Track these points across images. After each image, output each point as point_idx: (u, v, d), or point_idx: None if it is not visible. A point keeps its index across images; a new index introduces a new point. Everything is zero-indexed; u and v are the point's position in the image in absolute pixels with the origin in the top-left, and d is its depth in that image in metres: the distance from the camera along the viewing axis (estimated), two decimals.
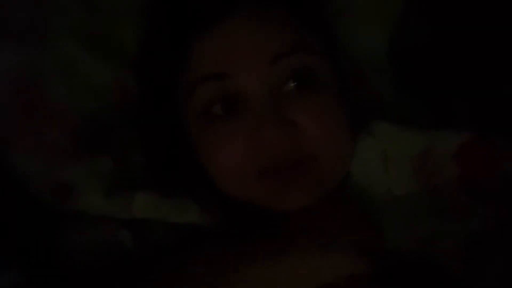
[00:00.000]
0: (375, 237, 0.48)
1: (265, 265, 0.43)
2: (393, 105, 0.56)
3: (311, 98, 0.47)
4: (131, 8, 0.53)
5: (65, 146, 0.49)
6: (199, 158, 0.49)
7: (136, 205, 0.48)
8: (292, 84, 0.47)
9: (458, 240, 0.45)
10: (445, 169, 0.48)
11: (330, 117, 0.47)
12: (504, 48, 0.52)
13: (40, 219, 0.48)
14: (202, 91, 0.47)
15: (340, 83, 0.51)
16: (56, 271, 0.46)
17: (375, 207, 0.50)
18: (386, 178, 0.50)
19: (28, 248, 0.45)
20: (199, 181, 0.50)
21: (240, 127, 0.46)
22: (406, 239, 0.48)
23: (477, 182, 0.47)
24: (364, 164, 0.50)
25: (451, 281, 0.44)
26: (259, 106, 0.46)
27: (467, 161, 0.48)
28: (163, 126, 0.52)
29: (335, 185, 0.49)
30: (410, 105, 0.55)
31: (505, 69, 0.51)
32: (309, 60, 0.48)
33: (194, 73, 0.48)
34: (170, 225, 0.50)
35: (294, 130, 0.46)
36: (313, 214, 0.47)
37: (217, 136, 0.47)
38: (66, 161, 0.49)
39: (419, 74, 0.55)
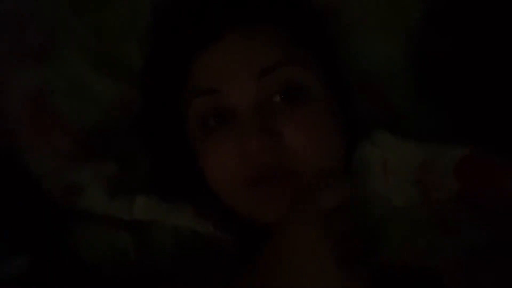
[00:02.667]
0: (371, 248, 0.47)
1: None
2: (408, 117, 0.56)
3: (297, 111, 0.48)
4: (135, 29, 0.57)
5: (73, 152, 0.54)
6: (199, 166, 0.53)
7: (136, 206, 0.51)
8: (279, 97, 0.49)
9: (458, 254, 0.45)
10: (445, 182, 0.47)
11: (315, 130, 0.48)
12: None
13: (51, 213, 0.52)
14: (196, 104, 0.51)
15: (337, 96, 0.52)
16: (62, 263, 0.49)
17: (374, 218, 0.49)
18: (385, 187, 0.49)
19: (37, 239, 0.50)
20: (199, 187, 0.52)
21: (227, 138, 0.49)
22: (405, 251, 0.47)
23: (476, 198, 0.46)
24: (363, 171, 0.50)
25: None
26: (245, 118, 0.48)
27: (467, 176, 0.47)
28: (166, 136, 0.56)
29: None
30: (430, 116, 0.55)
31: None
32: (297, 73, 0.50)
33: (192, 87, 0.52)
34: (170, 231, 0.52)
35: (278, 141, 0.47)
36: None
37: (209, 146, 0.50)
38: (74, 164, 0.53)
39: (442, 86, 0.54)
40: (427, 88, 0.56)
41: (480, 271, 0.44)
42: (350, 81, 0.56)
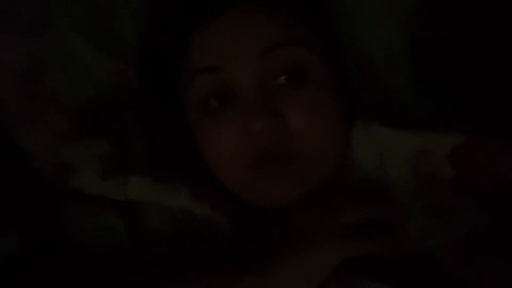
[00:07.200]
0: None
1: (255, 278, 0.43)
2: (405, 100, 0.55)
3: (301, 93, 0.47)
4: (131, 3, 0.56)
5: (66, 129, 0.53)
6: (197, 146, 0.51)
7: (130, 187, 0.51)
8: (282, 78, 0.48)
9: (455, 238, 0.45)
10: (441, 170, 0.47)
11: (318, 113, 0.47)
12: None
13: (42, 192, 0.51)
14: (197, 83, 0.49)
15: (340, 80, 0.51)
16: (53, 242, 0.49)
17: None
18: (385, 179, 0.49)
19: (28, 218, 0.50)
20: (197, 168, 0.52)
21: (230, 118, 0.47)
22: (403, 237, 0.46)
23: (471, 184, 0.47)
24: (361, 163, 0.50)
25: (444, 278, 0.44)
26: (248, 99, 0.47)
27: (461, 163, 0.47)
28: (163, 114, 0.55)
29: (324, 180, 0.48)
30: (427, 98, 0.54)
31: None
32: (301, 54, 0.48)
33: (192, 65, 0.50)
34: (164, 213, 0.51)
35: (282, 123, 0.46)
36: (308, 209, 0.46)
37: (210, 127, 0.49)
38: (66, 142, 0.53)
39: (439, 69, 0.54)
40: (424, 72, 0.55)
41: (477, 255, 0.44)
42: (349, 64, 0.56)
